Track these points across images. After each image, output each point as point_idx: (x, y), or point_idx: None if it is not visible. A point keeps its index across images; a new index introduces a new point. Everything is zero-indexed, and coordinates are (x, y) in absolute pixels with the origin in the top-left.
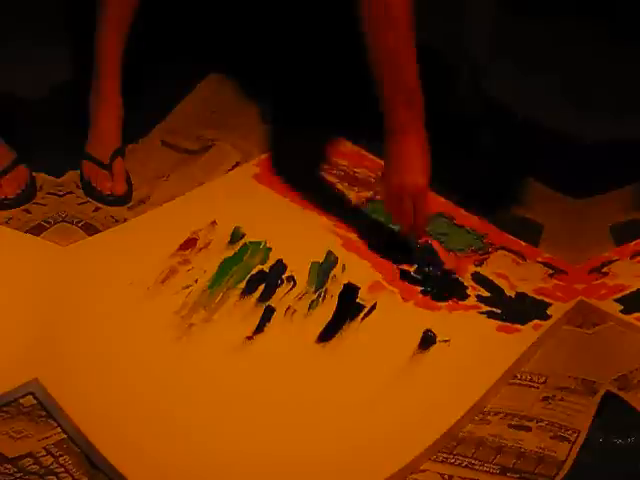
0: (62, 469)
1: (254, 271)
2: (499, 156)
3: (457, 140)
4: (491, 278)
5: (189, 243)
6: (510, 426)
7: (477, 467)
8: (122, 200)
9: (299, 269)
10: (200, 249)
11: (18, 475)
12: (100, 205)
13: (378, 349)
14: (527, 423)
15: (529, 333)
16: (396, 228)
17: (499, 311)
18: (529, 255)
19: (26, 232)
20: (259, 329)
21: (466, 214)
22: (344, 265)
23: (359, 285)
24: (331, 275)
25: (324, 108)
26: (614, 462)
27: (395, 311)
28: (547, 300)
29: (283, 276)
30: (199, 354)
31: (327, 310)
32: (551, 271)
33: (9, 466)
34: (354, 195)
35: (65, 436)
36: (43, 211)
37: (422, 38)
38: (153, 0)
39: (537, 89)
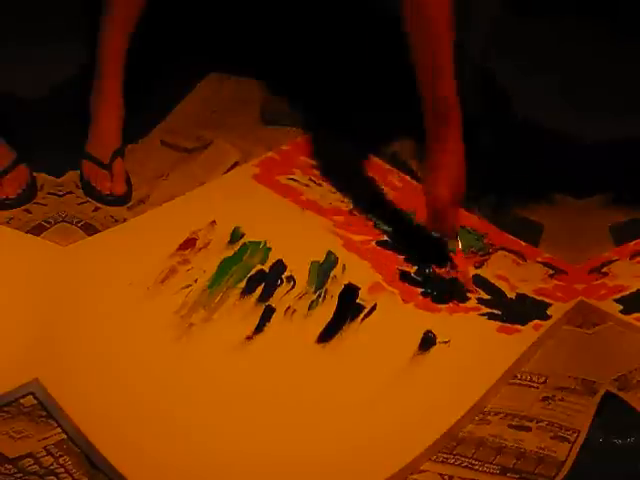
0: (62, 469)
1: (254, 271)
2: (499, 156)
3: None
4: (491, 280)
5: (189, 243)
6: (510, 426)
7: (477, 467)
8: (121, 200)
9: (299, 269)
10: (200, 249)
11: (18, 476)
12: (99, 205)
13: (378, 350)
14: (527, 423)
15: (529, 333)
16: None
17: (499, 313)
18: (529, 255)
19: (27, 232)
20: (259, 329)
21: (466, 214)
22: (344, 265)
23: (359, 286)
24: (331, 275)
25: (323, 109)
26: (614, 462)
27: (395, 312)
28: (547, 300)
29: (283, 276)
30: (199, 354)
31: (327, 310)
32: (551, 271)
33: (9, 466)
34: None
35: (65, 436)
36: (44, 211)
37: None
38: (153, 0)
39: (537, 89)
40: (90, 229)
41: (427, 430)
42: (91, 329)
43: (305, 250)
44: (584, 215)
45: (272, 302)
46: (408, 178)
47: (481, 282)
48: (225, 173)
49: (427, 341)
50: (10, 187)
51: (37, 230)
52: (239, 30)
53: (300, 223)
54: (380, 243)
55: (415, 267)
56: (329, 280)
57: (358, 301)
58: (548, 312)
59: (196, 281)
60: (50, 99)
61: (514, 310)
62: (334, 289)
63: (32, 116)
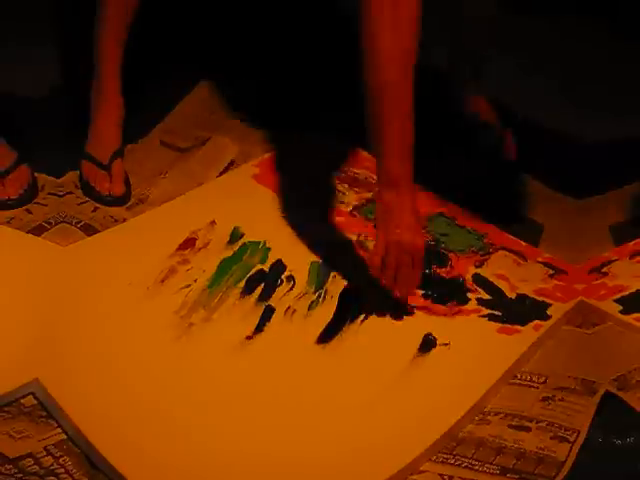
0: (62, 470)
1: (253, 271)
2: (499, 156)
3: (457, 140)
4: (491, 280)
5: (188, 243)
6: (510, 426)
7: (477, 468)
8: (120, 201)
9: (299, 269)
10: (199, 249)
11: (19, 476)
12: (99, 205)
13: (378, 351)
14: (527, 423)
15: (529, 333)
16: None
17: (500, 314)
18: (529, 255)
19: (27, 233)
20: (259, 329)
21: (466, 214)
22: None
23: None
24: (331, 275)
25: (321, 110)
26: (613, 462)
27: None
28: (547, 300)
29: (282, 276)
30: (199, 354)
31: (327, 311)
32: (551, 271)
33: (10, 466)
34: (355, 196)
35: (65, 436)
36: (44, 211)
37: (422, 38)
38: (153, 1)
39: (537, 89)
40: (90, 229)
41: (427, 430)
42: (91, 329)
43: (305, 250)
44: (584, 215)
45: (272, 302)
46: None
47: (481, 282)
48: (223, 169)
49: (427, 343)
50: (12, 187)
51: (37, 231)
52: (238, 31)
53: (300, 224)
54: None
55: None
56: (329, 280)
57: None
58: (548, 312)
59: (196, 281)
60: (50, 99)
61: (514, 310)
62: (334, 289)
63: (32, 116)
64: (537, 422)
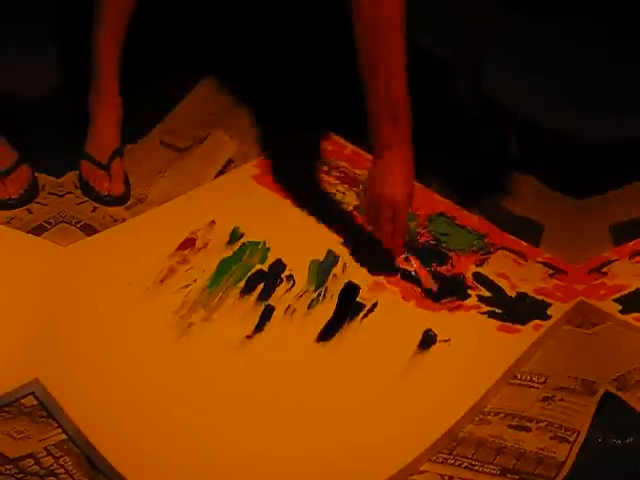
0: (62, 470)
1: (253, 270)
2: (499, 156)
3: (457, 140)
4: (492, 278)
5: (188, 243)
6: (510, 426)
7: (477, 468)
8: (119, 201)
9: (298, 268)
10: (199, 249)
11: (19, 476)
12: (98, 205)
13: (378, 349)
14: (527, 424)
15: (529, 333)
16: None
17: (500, 311)
18: (530, 255)
19: (28, 232)
20: (259, 328)
21: (467, 214)
22: (345, 264)
23: (360, 284)
24: (331, 274)
25: (321, 109)
26: (613, 462)
27: (396, 311)
28: (547, 300)
29: (282, 275)
30: (199, 353)
31: (327, 309)
32: (551, 271)
33: (10, 467)
34: (355, 196)
35: (65, 437)
36: (44, 211)
37: (422, 39)
38: (152, 1)
39: (537, 89)
40: (89, 229)
41: (427, 430)
42: (91, 329)
43: (304, 250)
44: (584, 215)
45: (272, 301)
46: None
47: (482, 280)
48: (222, 168)
49: (427, 340)
50: (12, 187)
51: (38, 231)
52: (237, 31)
53: (300, 224)
54: None
55: (415, 266)
56: (329, 279)
57: (358, 299)
58: (548, 312)
59: (195, 281)
60: (50, 99)
61: (514, 309)
62: (334, 288)
63: (32, 116)
64: (537, 422)
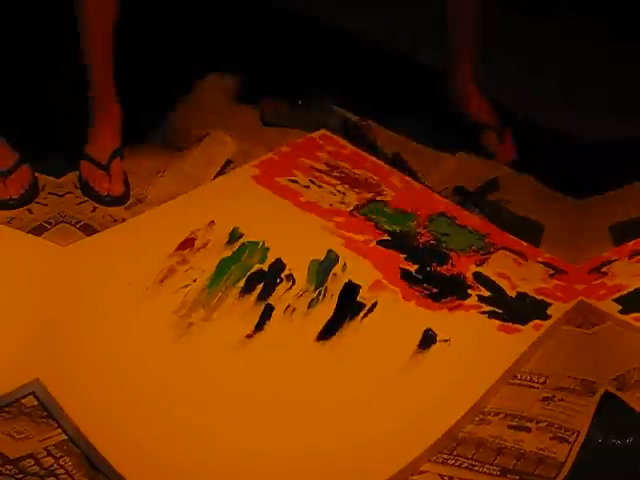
0: (62, 470)
1: (253, 270)
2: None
3: (457, 140)
4: (492, 278)
5: (187, 243)
6: (510, 427)
7: (477, 468)
8: (119, 201)
9: (298, 267)
10: (198, 249)
11: (19, 476)
12: (98, 205)
13: (378, 348)
14: (527, 424)
15: (529, 333)
16: None
17: (500, 311)
18: (530, 255)
19: (28, 232)
20: (259, 327)
21: (467, 214)
22: (345, 264)
23: (360, 284)
24: (331, 273)
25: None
26: (613, 462)
27: (396, 310)
28: (547, 300)
29: (282, 274)
30: (199, 353)
31: (327, 308)
32: (552, 271)
33: (10, 467)
34: (355, 196)
35: (65, 437)
36: (44, 211)
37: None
38: (152, 1)
39: (537, 89)
40: (89, 229)
41: (427, 430)
42: (91, 329)
43: (304, 249)
44: (584, 215)
45: (271, 300)
46: (409, 179)
47: (482, 279)
48: (220, 169)
49: (427, 339)
50: (13, 187)
51: (38, 231)
52: (237, 31)
53: (300, 224)
54: (381, 242)
55: (416, 266)
56: (329, 278)
57: (358, 299)
58: (548, 312)
59: (195, 281)
60: (50, 99)
61: (514, 309)
62: (334, 287)
63: (32, 116)
64: (537, 422)
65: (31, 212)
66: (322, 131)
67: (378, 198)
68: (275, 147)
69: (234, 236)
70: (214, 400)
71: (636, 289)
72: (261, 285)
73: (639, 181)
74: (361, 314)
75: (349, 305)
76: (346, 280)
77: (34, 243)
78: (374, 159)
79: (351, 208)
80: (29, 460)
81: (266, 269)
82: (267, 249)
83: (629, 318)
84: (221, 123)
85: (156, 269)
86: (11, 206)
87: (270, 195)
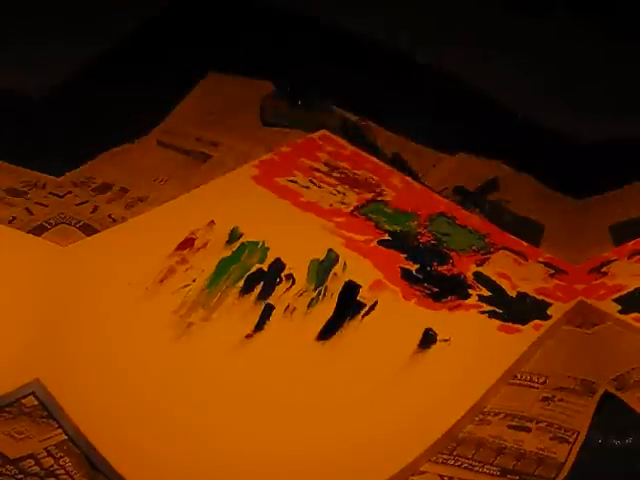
0: (62, 470)
1: (252, 270)
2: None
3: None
4: (493, 278)
5: (187, 243)
6: (510, 427)
7: (477, 469)
8: None
9: (298, 267)
10: (198, 249)
11: (19, 477)
12: (98, 204)
13: (378, 348)
14: (527, 424)
15: (529, 333)
16: None
17: (500, 311)
18: (530, 255)
19: (28, 232)
20: (259, 327)
21: (467, 214)
22: (345, 263)
23: (360, 283)
24: (331, 273)
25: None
26: (613, 462)
27: (396, 310)
28: (547, 300)
29: (282, 274)
30: (199, 353)
31: (327, 308)
32: (552, 271)
33: (10, 467)
34: (355, 196)
35: (66, 437)
36: (45, 212)
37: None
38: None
39: (537, 89)
40: (89, 229)
41: (427, 430)
42: (91, 329)
43: (304, 249)
44: (584, 215)
45: (271, 300)
46: (409, 179)
47: (482, 279)
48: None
49: (427, 339)
50: None
51: (38, 231)
52: (237, 30)
53: (300, 224)
54: (381, 242)
55: (416, 265)
56: (329, 278)
57: (359, 298)
58: (548, 312)
59: (194, 281)
60: (50, 99)
61: (515, 309)
62: (334, 287)
63: (32, 116)
64: (537, 422)
65: (31, 212)
66: (322, 131)
67: (378, 198)
68: (275, 147)
69: (234, 236)
70: (214, 400)
71: (636, 289)
72: (261, 285)
73: (639, 181)
74: (361, 313)
75: (349, 304)
76: (346, 279)
77: (34, 243)
78: (374, 159)
79: (351, 208)
80: (29, 460)
81: (266, 268)
82: (267, 249)
83: (629, 318)
84: (221, 123)
85: (156, 269)
86: None
87: (270, 195)
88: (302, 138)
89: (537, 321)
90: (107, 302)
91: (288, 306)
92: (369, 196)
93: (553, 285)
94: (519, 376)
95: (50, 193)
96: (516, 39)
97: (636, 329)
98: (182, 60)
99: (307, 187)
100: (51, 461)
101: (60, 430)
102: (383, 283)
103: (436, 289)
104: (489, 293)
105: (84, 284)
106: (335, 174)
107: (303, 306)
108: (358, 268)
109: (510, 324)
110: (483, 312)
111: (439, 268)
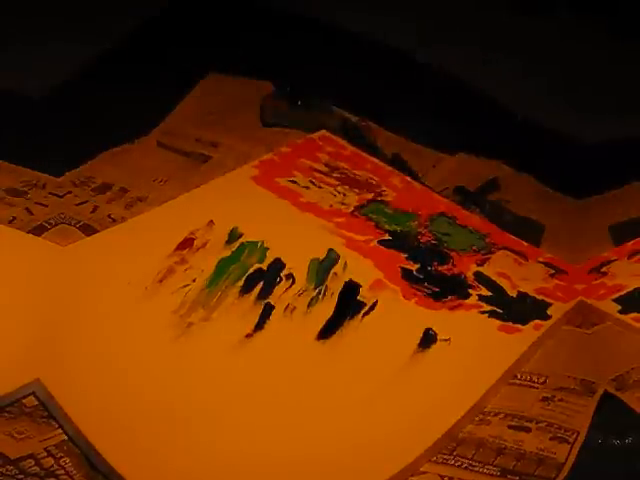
0: (62, 471)
1: (252, 269)
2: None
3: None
4: (493, 278)
5: (186, 243)
6: (510, 427)
7: (477, 469)
8: None
9: (298, 266)
10: (197, 249)
11: (19, 477)
12: (98, 204)
13: (378, 347)
14: (527, 424)
15: (530, 333)
16: None
17: (501, 311)
18: (531, 255)
19: (28, 232)
20: (259, 326)
21: (468, 214)
22: (345, 263)
23: (360, 283)
24: (332, 272)
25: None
26: (613, 462)
27: (396, 309)
28: (548, 300)
29: (282, 274)
30: (198, 353)
31: (327, 307)
32: (552, 271)
33: (11, 467)
34: (355, 197)
35: (66, 437)
36: (45, 212)
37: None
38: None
39: (537, 89)
40: (89, 229)
41: (427, 430)
42: (91, 329)
43: (304, 249)
44: (584, 215)
45: (271, 300)
46: (409, 179)
47: (483, 279)
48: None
49: (427, 339)
50: None
51: (38, 231)
52: (237, 30)
53: (300, 224)
54: (382, 242)
55: (417, 265)
56: (329, 277)
57: (359, 298)
58: (548, 312)
59: (194, 280)
60: (50, 99)
61: (515, 309)
62: (334, 286)
63: (32, 116)
64: (537, 422)
65: (31, 212)
66: (322, 132)
67: (378, 198)
68: (275, 147)
69: (233, 236)
70: (214, 400)
71: (635, 289)
72: (260, 284)
73: (639, 181)
74: (361, 313)
75: (349, 304)
76: (346, 279)
77: (34, 243)
78: (374, 160)
79: (351, 209)
80: (29, 460)
81: (265, 268)
82: (266, 249)
83: (628, 318)
84: (221, 123)
85: (155, 269)
86: None
87: (270, 195)
88: (302, 138)
89: (537, 321)
90: (107, 302)
91: (288, 306)
92: (369, 196)
93: (553, 285)
94: (519, 376)
95: (50, 193)
96: (518, 39)
97: (636, 329)
98: (182, 60)
99: (307, 187)
100: (51, 461)
101: (60, 430)
102: (383, 283)
103: (436, 289)
104: (489, 293)
105: (84, 284)
106: (335, 174)
107: (303, 306)
108: (358, 268)
109: (510, 324)
110: (483, 312)
111: (439, 268)
